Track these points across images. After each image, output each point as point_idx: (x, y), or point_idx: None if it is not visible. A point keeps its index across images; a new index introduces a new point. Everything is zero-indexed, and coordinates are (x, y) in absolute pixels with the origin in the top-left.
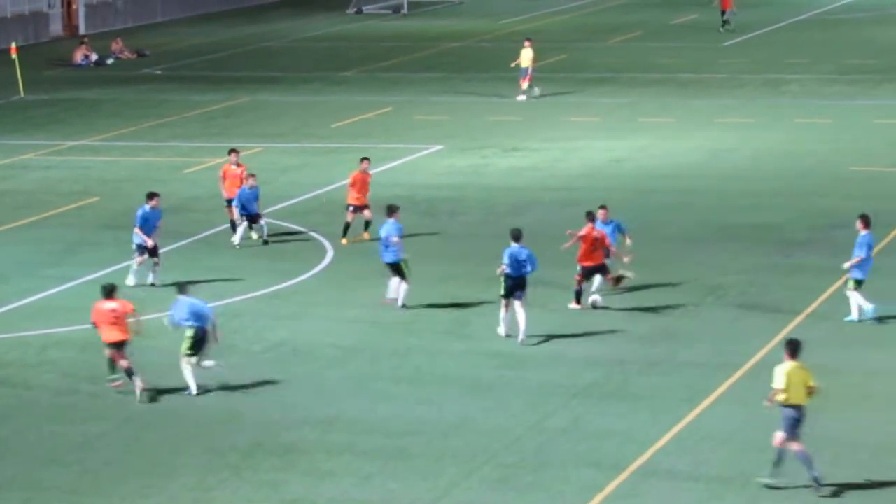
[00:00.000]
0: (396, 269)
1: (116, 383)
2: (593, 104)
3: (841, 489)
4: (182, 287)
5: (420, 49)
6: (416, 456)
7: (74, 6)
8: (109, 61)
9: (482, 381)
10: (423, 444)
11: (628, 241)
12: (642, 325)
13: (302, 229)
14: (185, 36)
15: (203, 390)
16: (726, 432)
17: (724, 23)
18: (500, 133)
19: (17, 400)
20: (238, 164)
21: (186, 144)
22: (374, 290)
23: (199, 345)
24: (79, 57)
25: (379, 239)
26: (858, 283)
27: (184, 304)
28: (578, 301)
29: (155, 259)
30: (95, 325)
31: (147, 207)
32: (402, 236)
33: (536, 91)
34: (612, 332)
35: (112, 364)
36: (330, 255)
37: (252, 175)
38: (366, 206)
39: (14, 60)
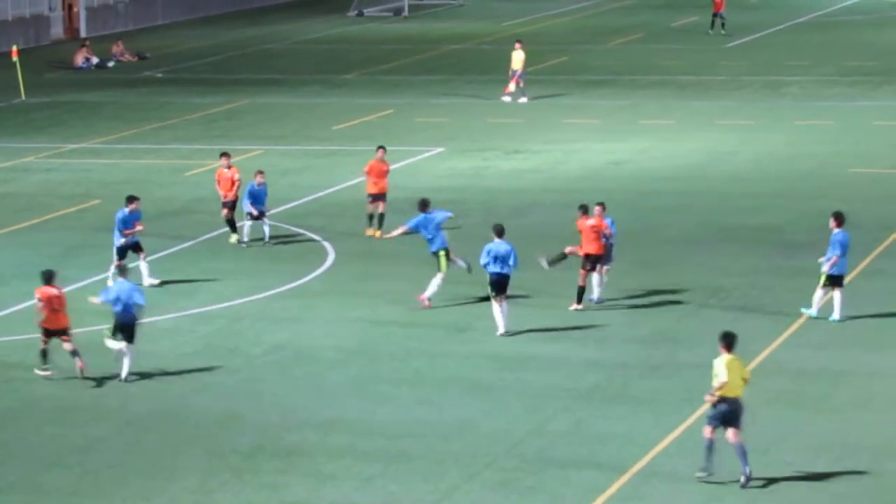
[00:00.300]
0: (446, 253)
1: (47, 373)
2: (594, 106)
3: (841, 490)
4: (123, 270)
5: (421, 51)
6: (417, 458)
7: (75, 9)
8: (110, 64)
9: (483, 383)
10: (423, 446)
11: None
12: (643, 328)
13: (303, 231)
14: (185, 38)
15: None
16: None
17: (722, 24)
18: (501, 135)
19: (19, 403)
20: (229, 167)
21: (187, 147)
22: (374, 291)
23: (121, 329)
24: (80, 60)
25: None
26: (831, 280)
27: (116, 288)
28: (580, 301)
29: (141, 254)
30: (42, 310)
31: (126, 211)
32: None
33: (523, 99)
34: (614, 334)
35: (45, 354)
36: (331, 257)
37: (260, 172)
38: (383, 197)
39: (15, 63)
